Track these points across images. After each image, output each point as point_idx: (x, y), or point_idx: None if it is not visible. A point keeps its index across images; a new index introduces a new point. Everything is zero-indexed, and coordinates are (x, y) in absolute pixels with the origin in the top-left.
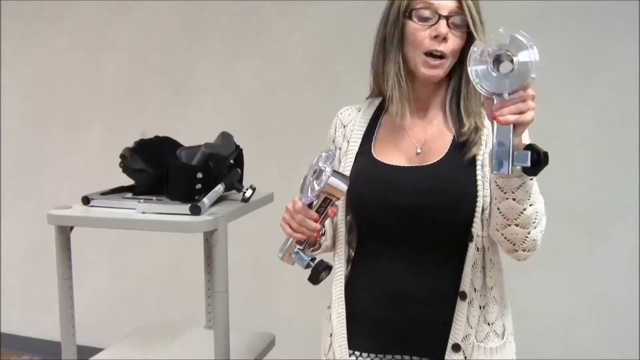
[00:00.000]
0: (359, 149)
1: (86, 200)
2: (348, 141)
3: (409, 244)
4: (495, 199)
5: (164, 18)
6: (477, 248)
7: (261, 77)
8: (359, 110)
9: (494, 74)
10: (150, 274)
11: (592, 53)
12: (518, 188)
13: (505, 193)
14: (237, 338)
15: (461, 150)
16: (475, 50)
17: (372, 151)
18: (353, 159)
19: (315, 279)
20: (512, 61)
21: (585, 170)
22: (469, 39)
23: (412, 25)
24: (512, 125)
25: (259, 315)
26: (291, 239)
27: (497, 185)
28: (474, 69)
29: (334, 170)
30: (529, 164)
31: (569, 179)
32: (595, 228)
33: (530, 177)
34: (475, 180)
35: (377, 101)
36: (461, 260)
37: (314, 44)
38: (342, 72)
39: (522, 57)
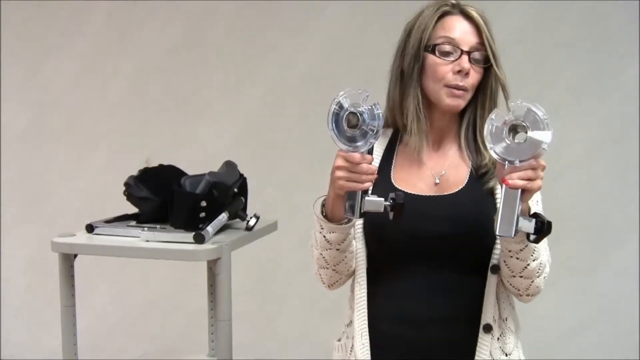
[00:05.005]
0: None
1: (90, 228)
2: None
3: (429, 271)
4: (502, 251)
5: (170, 42)
6: (499, 279)
7: (266, 103)
8: None
9: (508, 142)
10: (153, 300)
11: (594, 67)
12: (521, 251)
13: (510, 252)
14: None
15: (480, 181)
16: (493, 117)
17: (392, 180)
18: (371, 187)
19: (400, 211)
20: (526, 132)
21: (589, 182)
22: (486, 73)
23: (434, 59)
24: (520, 191)
25: (263, 342)
26: (357, 192)
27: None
28: (490, 135)
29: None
30: (532, 231)
31: (573, 191)
32: (598, 240)
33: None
34: (495, 210)
35: (389, 132)
36: (478, 287)
37: (320, 70)
38: None
39: (536, 134)
